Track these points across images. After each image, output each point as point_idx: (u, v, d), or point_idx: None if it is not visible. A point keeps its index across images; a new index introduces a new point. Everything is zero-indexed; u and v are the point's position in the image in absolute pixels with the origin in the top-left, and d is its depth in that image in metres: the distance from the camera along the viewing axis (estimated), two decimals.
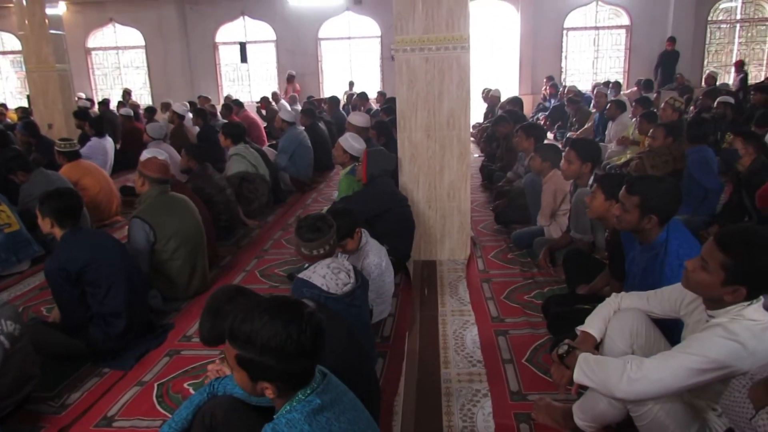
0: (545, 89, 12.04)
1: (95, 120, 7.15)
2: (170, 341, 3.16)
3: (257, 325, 1.34)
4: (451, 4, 3.77)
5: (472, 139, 9.91)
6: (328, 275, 2.38)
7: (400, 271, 3.91)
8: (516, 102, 7.99)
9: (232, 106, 9.02)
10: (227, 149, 5.65)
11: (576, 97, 9.57)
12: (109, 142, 6.94)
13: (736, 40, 13.45)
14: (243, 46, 13.44)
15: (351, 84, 12.67)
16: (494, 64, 14.13)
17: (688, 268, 1.81)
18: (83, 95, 12.48)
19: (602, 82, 11.67)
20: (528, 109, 12.35)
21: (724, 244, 1.71)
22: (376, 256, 3.07)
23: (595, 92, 8.55)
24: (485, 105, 10.22)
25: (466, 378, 2.71)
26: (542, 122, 10.69)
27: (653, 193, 2.35)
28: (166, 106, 9.67)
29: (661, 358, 1.78)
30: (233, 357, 1.39)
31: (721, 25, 13.34)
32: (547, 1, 12.70)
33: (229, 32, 14.13)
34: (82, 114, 7.70)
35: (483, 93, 10.36)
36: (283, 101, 10.99)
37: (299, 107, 9.28)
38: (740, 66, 11.69)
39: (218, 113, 9.13)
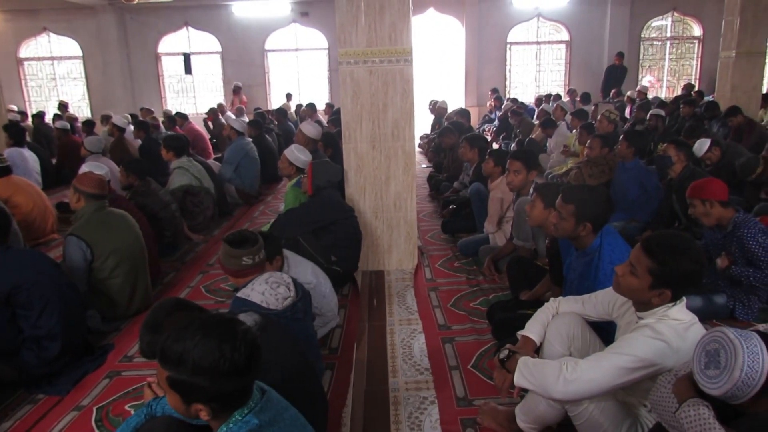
0: (490, 101, 12.36)
1: (12, 128, 6.70)
2: (110, 362, 3.04)
3: (189, 344, 1.31)
4: (394, 18, 3.84)
5: (420, 150, 10.06)
6: (267, 291, 2.35)
7: (348, 282, 3.92)
8: (462, 113, 8.17)
9: (176, 118, 8.82)
10: (170, 162, 5.51)
11: (519, 109, 9.86)
12: (29, 154, 6.57)
13: (667, 57, 14.21)
14: (187, 57, 13.19)
15: (289, 96, 12.57)
16: (441, 77, 14.43)
17: (618, 274, 1.91)
18: (15, 108, 11.90)
19: (544, 94, 12.08)
20: (474, 121, 12.65)
21: (649, 250, 1.82)
22: (302, 275, 2.97)
23: (539, 106, 8.83)
24: (433, 116, 10.39)
25: (414, 386, 2.73)
26: (488, 133, 10.97)
27: (587, 202, 2.46)
28: (105, 119, 9.36)
29: (594, 359, 1.86)
30: (165, 379, 1.35)
31: (654, 42, 14.08)
32: (490, 16, 13.08)
33: (173, 43, 13.84)
34: (12, 127, 7.33)
35: (430, 105, 10.53)
36: (228, 113, 10.83)
37: (246, 119, 9.16)
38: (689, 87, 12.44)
39: (161, 125, 8.91)
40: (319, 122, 8.29)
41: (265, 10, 13.04)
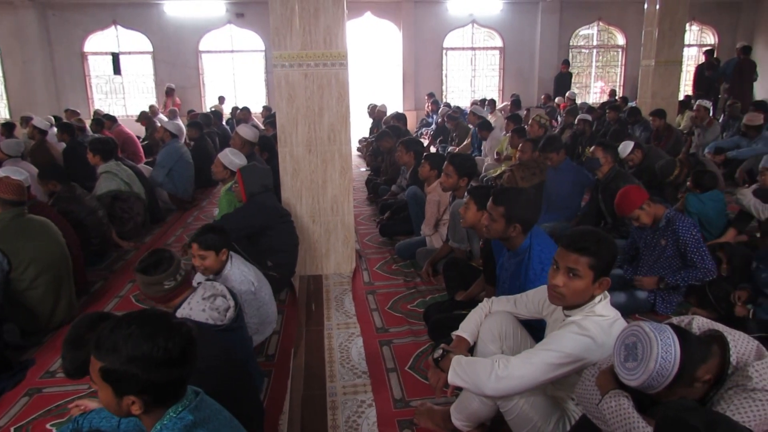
0: (427, 106, 12.54)
1: None
2: (30, 379, 2.87)
3: (124, 333, 1.30)
4: (329, 21, 3.83)
5: (359, 153, 10.09)
6: (207, 308, 2.30)
7: (285, 287, 3.87)
8: (399, 117, 8.25)
9: (103, 120, 8.44)
10: (97, 167, 5.26)
11: (455, 113, 10.06)
12: None
13: (594, 64, 14.89)
14: (116, 57, 12.63)
15: (221, 98, 12.28)
16: (380, 80, 14.51)
17: (559, 286, 1.93)
18: None
19: (479, 99, 12.38)
20: (413, 125, 12.80)
21: (584, 249, 1.89)
22: (241, 280, 2.91)
23: (469, 111, 9.04)
24: (372, 120, 10.44)
25: (351, 390, 2.73)
26: (425, 137, 11.13)
27: (516, 204, 2.54)
28: (25, 121, 8.81)
29: (524, 356, 1.93)
30: (97, 372, 1.32)
31: (582, 50, 14.72)
32: (426, 22, 13.28)
33: (100, 41, 13.21)
34: None
35: (369, 108, 10.57)
36: (160, 115, 10.46)
37: (179, 121, 8.88)
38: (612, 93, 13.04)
39: (87, 128, 8.49)
40: (255, 125, 8.15)
41: (199, 9, 12.68)
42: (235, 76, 13.65)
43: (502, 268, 2.78)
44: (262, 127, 8.54)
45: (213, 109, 10.28)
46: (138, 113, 10.13)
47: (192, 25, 12.85)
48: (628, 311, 3.43)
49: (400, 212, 5.08)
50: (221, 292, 2.39)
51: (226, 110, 11.53)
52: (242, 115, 9.66)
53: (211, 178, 6.95)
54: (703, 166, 5.04)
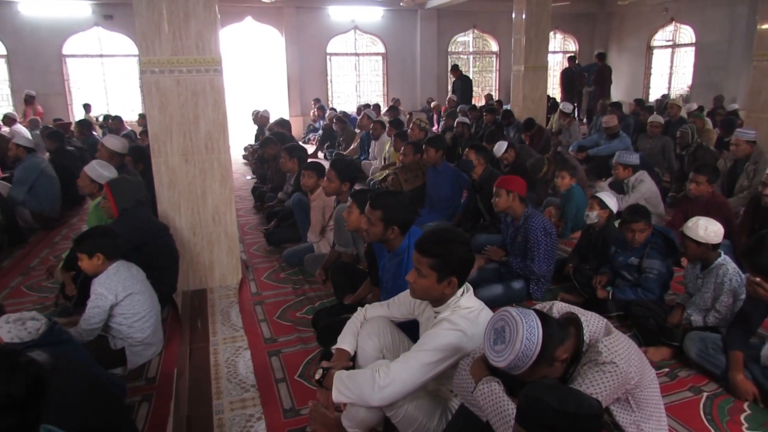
0: (313, 111, 12.52)
1: None
2: None
3: None
4: (200, 26, 3.70)
5: (244, 161, 9.84)
6: (12, 329, 2.18)
7: (166, 304, 3.67)
8: (283, 124, 8.16)
9: None
10: None
11: (344, 117, 10.15)
12: None
13: (471, 69, 15.67)
14: None
15: (87, 106, 11.43)
16: (265, 86, 14.25)
17: (410, 282, 2.07)
18: None
19: (364, 104, 12.55)
20: (299, 131, 12.70)
21: (423, 250, 2.01)
22: (100, 293, 2.81)
23: (360, 115, 9.15)
24: (256, 127, 10.22)
25: (239, 405, 2.66)
26: (312, 143, 11.11)
27: (392, 207, 2.62)
28: None
29: (402, 360, 1.99)
30: None
31: (461, 56, 15.43)
32: (309, 27, 13.24)
33: None
34: None
35: (253, 115, 10.34)
36: (19, 125, 9.49)
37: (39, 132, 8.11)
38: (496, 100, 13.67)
39: None
40: (129, 135, 7.66)
41: (61, 10, 11.66)
42: (106, 82, 12.73)
43: (384, 269, 2.84)
44: (138, 135, 8.05)
45: (85, 118, 9.51)
46: None
47: (53, 26, 11.80)
48: (506, 301, 3.66)
49: (287, 219, 5.02)
50: (31, 316, 2.29)
51: (103, 118, 10.68)
52: (114, 124, 9.03)
53: (77, 194, 6.44)
54: (568, 163, 5.49)
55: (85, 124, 8.62)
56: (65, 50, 12.15)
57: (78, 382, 1.89)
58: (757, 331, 2.84)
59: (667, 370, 2.90)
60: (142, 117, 10.49)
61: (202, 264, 4.04)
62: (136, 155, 5.18)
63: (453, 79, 12.31)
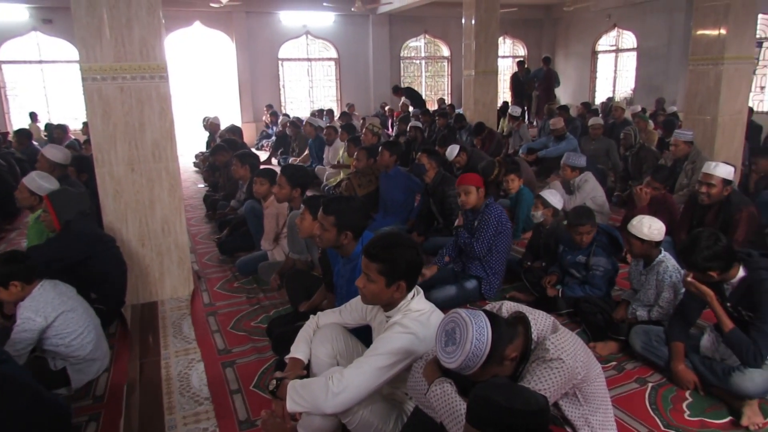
0: (266, 117, 12.39)
1: None
2: None
3: None
4: (144, 32, 3.61)
5: (196, 169, 9.64)
6: None
7: (114, 319, 3.56)
8: (234, 130, 8.03)
9: None
10: None
11: (297, 122, 10.08)
12: None
13: (424, 74, 15.86)
14: None
15: (33, 115, 10.96)
16: (216, 92, 14.00)
17: (360, 287, 2.07)
18: None
19: (317, 109, 12.51)
20: (253, 137, 12.54)
21: (371, 255, 2.02)
22: (27, 317, 2.63)
23: (305, 123, 9.09)
24: (208, 134, 10.02)
25: (193, 419, 2.60)
26: (266, 149, 10.99)
27: (345, 212, 2.62)
28: None
29: (355, 366, 1.98)
30: None
31: (414, 61, 15.60)
32: (260, 32, 13.10)
33: None
34: None
35: (203, 121, 10.15)
36: None
37: None
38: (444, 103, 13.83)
39: None
40: (73, 144, 7.38)
41: None
42: (47, 89, 12.23)
43: (339, 275, 2.84)
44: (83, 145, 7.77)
45: (27, 128, 9.09)
46: None
47: None
48: (460, 302, 3.72)
49: (240, 228, 4.94)
50: None
51: (45, 127, 10.23)
52: (57, 133, 8.69)
53: (15, 207, 6.17)
54: (518, 165, 5.62)
55: (24, 134, 8.23)
56: (1, 56, 11.62)
57: (24, 401, 1.81)
58: (697, 323, 2.97)
59: (614, 363, 3.00)
60: (86, 125, 10.13)
61: (152, 276, 3.93)
62: (79, 165, 5.00)
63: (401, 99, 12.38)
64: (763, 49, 10.96)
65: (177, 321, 3.65)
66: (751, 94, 10.00)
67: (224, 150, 6.25)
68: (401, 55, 15.01)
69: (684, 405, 2.61)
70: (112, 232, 3.72)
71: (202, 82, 14.30)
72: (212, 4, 11.15)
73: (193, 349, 3.27)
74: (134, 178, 3.74)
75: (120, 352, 3.24)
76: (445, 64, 15.82)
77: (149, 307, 3.86)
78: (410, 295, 2.07)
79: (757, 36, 7.15)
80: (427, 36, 15.21)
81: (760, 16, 5.99)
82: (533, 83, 12.84)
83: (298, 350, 2.29)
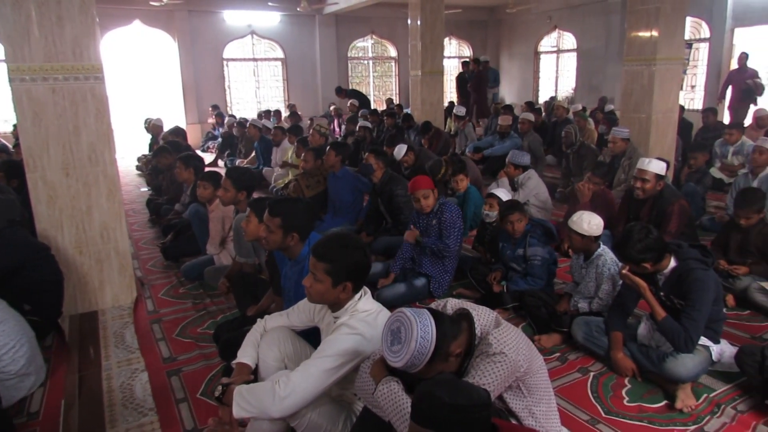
0: (212, 118, 12.12)
1: None
2: None
3: None
4: (77, 31, 3.46)
5: (138, 172, 9.33)
6: None
7: (50, 331, 3.40)
8: (178, 132, 7.82)
9: None
10: None
11: (243, 120, 9.91)
12: None
13: (372, 74, 15.89)
14: None
15: None
16: (159, 93, 13.58)
17: (306, 286, 2.06)
18: None
19: (264, 110, 12.33)
20: (198, 139, 12.24)
21: (318, 255, 2.01)
22: None
23: (248, 125, 8.96)
24: (150, 136, 9.72)
25: (137, 431, 2.51)
26: (212, 151, 10.76)
27: (291, 213, 2.59)
28: None
29: (302, 369, 1.97)
30: None
31: (362, 61, 15.60)
32: (203, 32, 12.79)
33: None
34: None
35: (145, 123, 9.83)
36: None
37: None
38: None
39: None
40: (2, 148, 7.01)
41: None
42: None
43: (286, 277, 2.80)
44: (11, 149, 7.37)
45: None
46: None
47: None
48: (409, 300, 3.75)
49: (185, 232, 4.81)
50: None
51: None
52: None
53: None
54: (464, 165, 5.71)
55: None
56: None
57: None
58: (634, 312, 3.11)
59: (558, 354, 3.09)
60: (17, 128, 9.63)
61: (91, 284, 3.78)
62: (9, 170, 4.75)
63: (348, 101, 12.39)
64: (692, 50, 11.55)
65: (119, 330, 3.52)
66: (682, 93, 10.56)
67: (167, 152, 6.08)
68: (349, 55, 14.99)
69: (623, 391, 2.73)
70: (47, 239, 3.55)
71: (143, 83, 13.84)
72: (152, 3, 10.81)
73: (136, 358, 3.16)
74: (69, 183, 3.59)
75: (57, 366, 3.10)
76: (393, 64, 15.91)
77: (89, 317, 3.71)
78: (357, 295, 2.07)
79: (686, 38, 7.51)
80: (374, 36, 15.25)
81: (688, 18, 6.29)
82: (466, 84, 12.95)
83: (245, 355, 2.26)
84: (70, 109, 3.52)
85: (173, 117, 12.28)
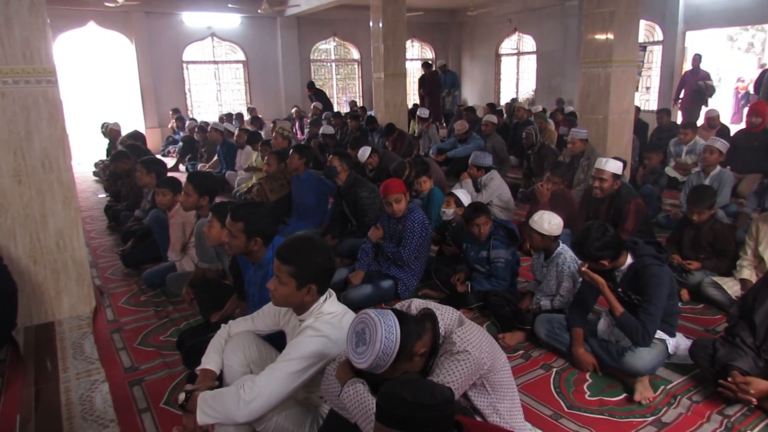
0: (172, 122, 11.89)
1: None
2: None
3: None
4: (27, 33, 3.35)
5: (96, 178, 9.08)
6: None
7: (4, 344, 3.28)
8: (136, 136, 7.65)
9: None
10: None
11: (205, 126, 9.74)
12: None
13: (335, 76, 15.87)
14: None
15: None
16: (117, 97, 13.25)
17: (271, 289, 2.05)
18: None
19: (226, 113, 12.15)
20: (158, 143, 11.99)
21: (282, 258, 2.01)
22: None
23: (209, 128, 8.82)
24: (107, 140, 9.47)
25: None
26: (173, 155, 10.56)
27: (254, 218, 2.57)
28: None
29: (267, 372, 1.96)
30: None
31: (325, 63, 15.55)
32: (162, 34, 12.54)
33: None
34: None
35: (102, 128, 9.57)
36: None
37: None
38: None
39: None
40: None
41: None
42: None
43: (250, 282, 2.78)
44: None
45: None
46: None
47: None
48: (375, 301, 3.76)
49: (145, 239, 4.71)
50: None
51: None
52: None
53: None
54: (428, 166, 5.76)
55: None
56: None
57: None
58: (595, 308, 3.19)
59: (521, 352, 3.15)
60: None
61: (47, 295, 3.66)
62: None
63: (309, 95, 12.35)
64: (646, 53, 11.93)
65: (77, 341, 3.41)
66: (638, 95, 10.90)
67: (126, 157, 5.93)
68: (311, 57, 14.93)
69: (585, 386, 2.80)
70: None
71: (100, 87, 13.49)
72: (107, 4, 10.53)
73: (96, 369, 3.08)
74: (22, 191, 3.46)
75: (11, 380, 2.99)
76: (356, 66, 15.92)
77: (45, 329, 3.58)
78: (322, 298, 2.07)
79: (641, 41, 7.75)
80: (336, 39, 15.23)
81: (642, 22, 6.50)
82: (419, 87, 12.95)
83: (209, 361, 2.23)
84: (21, 114, 3.40)
85: (132, 121, 12.00)
